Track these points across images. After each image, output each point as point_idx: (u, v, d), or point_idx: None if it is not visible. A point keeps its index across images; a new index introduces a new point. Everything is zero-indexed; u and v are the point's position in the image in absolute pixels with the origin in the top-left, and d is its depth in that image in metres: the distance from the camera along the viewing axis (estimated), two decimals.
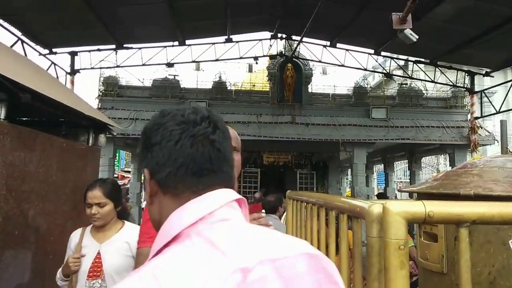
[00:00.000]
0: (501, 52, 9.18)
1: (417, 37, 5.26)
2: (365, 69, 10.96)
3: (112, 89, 11.03)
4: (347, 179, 23.16)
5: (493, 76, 10.40)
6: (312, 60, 10.95)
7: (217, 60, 10.69)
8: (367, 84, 15.56)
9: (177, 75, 11.26)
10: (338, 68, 10.97)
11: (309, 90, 11.09)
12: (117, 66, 10.68)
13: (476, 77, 10.77)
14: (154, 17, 8.94)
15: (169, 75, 11.25)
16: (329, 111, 10.82)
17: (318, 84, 11.91)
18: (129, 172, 18.41)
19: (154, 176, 0.65)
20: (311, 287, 0.55)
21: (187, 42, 10.43)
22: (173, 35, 10.08)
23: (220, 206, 0.62)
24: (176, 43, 10.44)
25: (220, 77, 11.06)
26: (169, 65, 10.64)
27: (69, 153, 3.53)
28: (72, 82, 9.97)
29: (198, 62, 11.01)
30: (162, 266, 0.54)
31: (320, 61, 10.84)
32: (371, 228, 1.04)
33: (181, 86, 11.17)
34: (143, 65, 10.54)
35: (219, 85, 11.02)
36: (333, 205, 1.42)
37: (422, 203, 0.96)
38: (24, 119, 4.19)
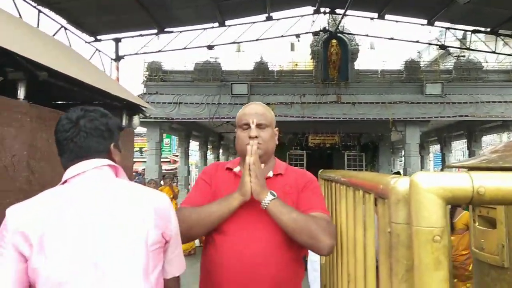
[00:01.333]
0: None
1: None
2: (417, 41, 10.13)
3: (156, 74, 11.16)
4: (400, 161, 22.05)
5: None
6: (358, 34, 10.31)
7: (257, 40, 10.40)
8: (423, 60, 14.53)
9: (218, 58, 11.13)
10: (387, 42, 10.23)
11: (356, 67, 10.46)
12: (159, 51, 10.74)
13: None
14: None
15: (210, 58, 11.16)
16: (378, 88, 10.17)
17: (366, 60, 11.22)
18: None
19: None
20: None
21: (227, 23, 10.22)
22: (213, 16, 9.90)
23: (87, 169, 1.08)
24: (216, 24, 10.27)
25: (261, 57, 10.77)
26: (210, 47, 10.51)
27: None
28: (117, 68, 10.18)
29: (239, 43, 10.77)
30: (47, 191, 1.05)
31: (367, 35, 10.17)
32: (397, 211, 0.76)
33: (222, 68, 11.02)
34: (184, 48, 10.51)
35: (261, 66, 10.74)
36: (356, 182, 1.15)
37: (468, 175, 0.67)
38: (59, 102, 4.23)
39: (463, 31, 10.76)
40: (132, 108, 4.28)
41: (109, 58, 10.16)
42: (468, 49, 10.07)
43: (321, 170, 2.21)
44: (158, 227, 1.03)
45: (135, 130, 4.63)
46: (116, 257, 0.96)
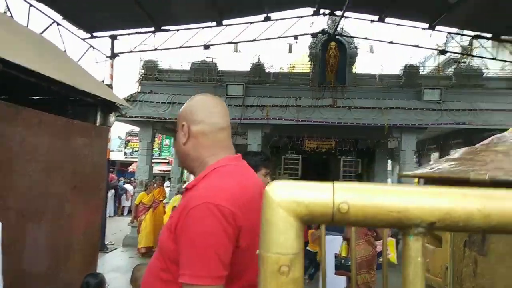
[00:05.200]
0: None
1: None
2: (417, 46, 9.93)
3: (151, 73, 11.04)
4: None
5: None
6: (357, 37, 10.11)
7: (255, 40, 10.25)
8: (422, 66, 14.27)
9: (215, 58, 11.00)
10: (387, 46, 10.04)
11: (353, 71, 10.28)
12: (155, 49, 10.63)
13: None
14: None
15: (207, 57, 11.03)
16: (375, 93, 9.98)
17: (365, 64, 11.06)
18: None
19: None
20: None
21: (224, 22, 10.09)
22: (210, 15, 9.78)
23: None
24: (214, 23, 10.15)
25: (258, 58, 10.62)
26: (206, 47, 10.38)
27: (65, 131, 3.34)
28: (112, 66, 10.07)
29: (236, 43, 10.61)
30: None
31: (366, 38, 9.99)
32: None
33: (219, 69, 10.88)
34: (181, 47, 10.39)
35: (257, 67, 10.58)
36: None
37: (332, 186, 0.51)
38: (35, 98, 4.11)
39: (469, 37, 10.53)
40: (109, 106, 4.14)
41: (104, 55, 10.07)
42: (469, 55, 9.86)
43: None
44: None
45: (110, 128, 4.48)
46: None
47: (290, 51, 10.74)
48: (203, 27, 10.33)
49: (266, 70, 10.61)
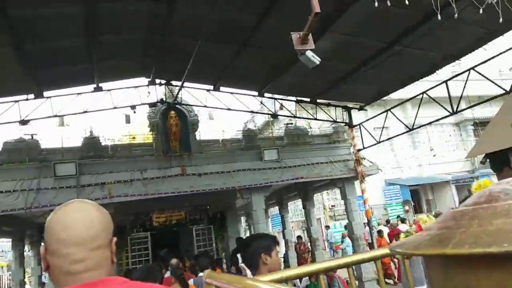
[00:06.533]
0: (372, 87, 9.85)
1: (319, 59, 4.91)
2: (252, 112, 10.69)
3: None
4: (242, 226, 22.45)
5: (366, 110, 11.12)
6: (196, 106, 10.26)
7: (85, 112, 9.21)
8: (254, 126, 15.45)
9: (35, 134, 9.34)
10: (224, 111, 10.47)
11: (197, 138, 10.26)
12: None
13: (357, 112, 11.40)
14: None
15: (24, 134, 9.27)
16: (221, 157, 10.11)
17: (206, 131, 11.22)
18: None
19: None
20: None
21: (46, 94, 8.80)
22: (27, 86, 8.39)
23: None
24: (32, 96, 8.72)
25: (91, 131, 9.50)
26: (24, 122, 8.75)
27: None
28: None
29: (62, 116, 9.33)
30: None
31: (205, 106, 10.20)
32: None
33: (42, 146, 9.24)
34: None
35: (91, 141, 9.43)
36: None
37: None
38: None
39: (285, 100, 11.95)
40: None
41: None
42: (295, 116, 11.16)
43: (207, 272, 1.53)
44: None
45: None
46: None
47: (128, 121, 10.07)
48: (17, 101, 8.75)
49: (102, 144, 9.55)
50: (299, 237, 12.48)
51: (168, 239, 12.34)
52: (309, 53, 4.74)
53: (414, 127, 9.91)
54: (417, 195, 25.00)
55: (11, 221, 10.24)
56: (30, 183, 8.48)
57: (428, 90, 9.17)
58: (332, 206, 24.15)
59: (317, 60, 4.87)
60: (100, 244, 1.03)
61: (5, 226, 10.36)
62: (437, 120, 9.49)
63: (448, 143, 25.73)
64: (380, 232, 12.14)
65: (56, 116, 9.16)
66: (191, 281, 5.43)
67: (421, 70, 8.94)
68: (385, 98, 10.42)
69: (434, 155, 24.42)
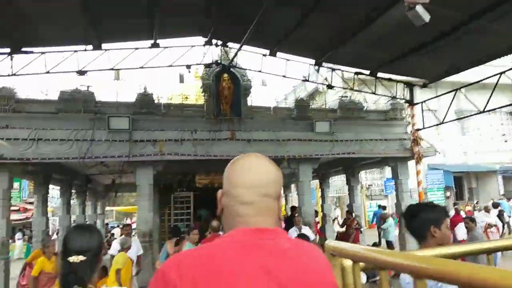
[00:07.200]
0: (441, 62, 9.13)
1: (429, 16, 4.41)
2: (307, 80, 10.26)
3: (6, 103, 8.78)
4: (290, 196, 22.37)
5: (431, 87, 10.41)
6: (251, 70, 9.94)
7: (141, 67, 9.13)
8: (305, 91, 14.85)
9: (91, 86, 9.41)
10: (278, 78, 10.11)
11: (249, 103, 10.01)
12: (13, 75, 8.57)
13: (420, 89, 10.72)
14: (63, 12, 7.21)
15: (80, 85, 9.36)
16: (271, 125, 9.86)
17: (258, 96, 10.93)
18: (32, 203, 15.75)
19: None
20: None
21: (104, 46, 8.76)
22: (87, 37, 8.37)
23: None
24: (90, 47, 8.71)
25: (145, 88, 9.45)
26: (81, 73, 8.80)
27: None
28: None
29: (118, 70, 9.31)
30: None
31: (260, 71, 9.87)
32: None
33: (97, 99, 9.30)
34: (47, 72, 8.58)
35: (145, 98, 9.39)
36: None
37: None
38: None
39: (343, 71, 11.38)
40: None
41: None
42: (352, 89, 10.63)
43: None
44: None
45: None
46: None
47: (182, 81, 9.93)
48: (76, 51, 8.77)
49: (156, 101, 9.51)
50: (348, 212, 12.19)
51: (209, 201, 12.43)
52: (420, 8, 4.23)
53: (486, 109, 9.09)
54: (460, 183, 23.96)
55: (62, 169, 10.61)
56: (84, 134, 8.62)
57: (506, 71, 8.37)
58: (369, 185, 23.67)
59: (427, 17, 4.35)
60: (268, 193, 1.04)
61: (56, 174, 10.74)
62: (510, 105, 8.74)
63: (498, 132, 24.23)
64: None
65: (112, 69, 9.17)
66: None
67: (499, 49, 8.16)
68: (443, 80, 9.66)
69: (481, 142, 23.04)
